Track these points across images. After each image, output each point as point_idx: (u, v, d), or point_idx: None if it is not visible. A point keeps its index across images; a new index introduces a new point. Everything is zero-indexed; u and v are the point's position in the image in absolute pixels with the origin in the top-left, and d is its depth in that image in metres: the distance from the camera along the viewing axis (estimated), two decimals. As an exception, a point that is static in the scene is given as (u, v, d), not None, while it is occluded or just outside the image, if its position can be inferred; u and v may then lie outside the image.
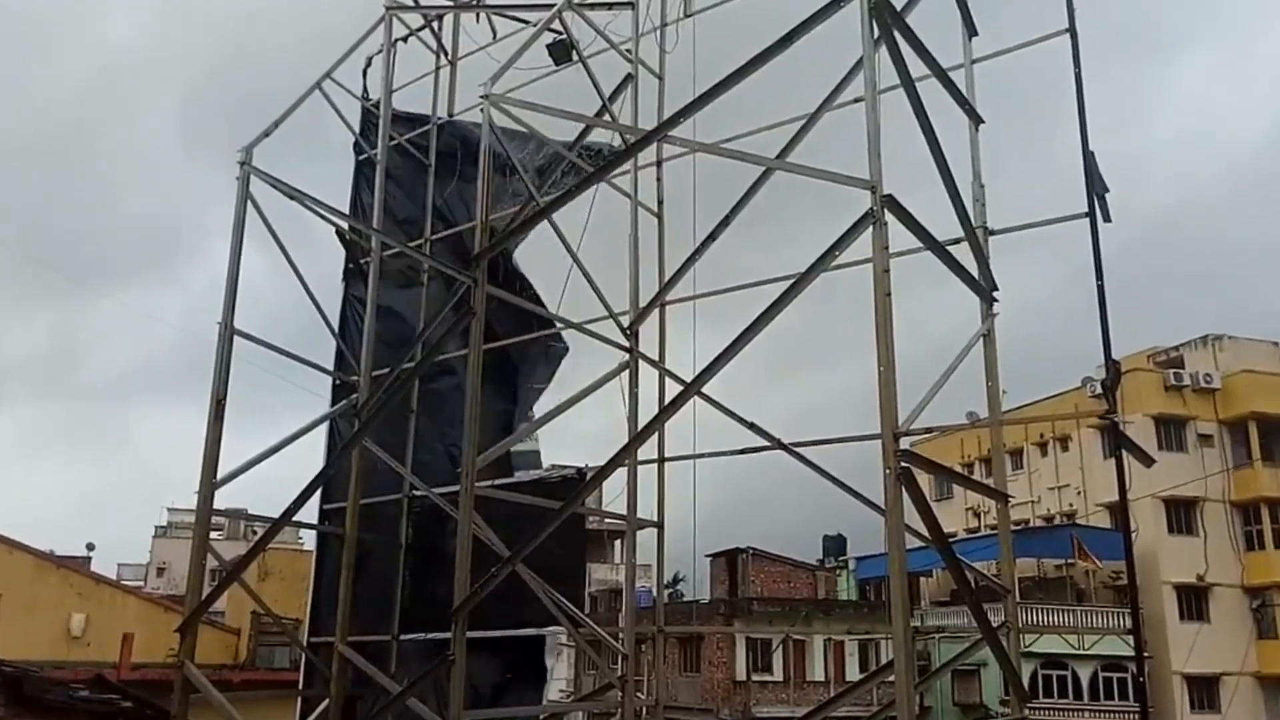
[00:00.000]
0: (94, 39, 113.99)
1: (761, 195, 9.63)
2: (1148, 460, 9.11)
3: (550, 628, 9.53)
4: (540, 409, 11.14)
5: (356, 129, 12.38)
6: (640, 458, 9.98)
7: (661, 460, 10.18)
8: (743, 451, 9.37)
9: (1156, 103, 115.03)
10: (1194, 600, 37.39)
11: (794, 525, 73.65)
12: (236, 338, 9.89)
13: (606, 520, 14.02)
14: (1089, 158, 8.57)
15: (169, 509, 56.65)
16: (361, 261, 11.56)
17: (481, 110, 8.78)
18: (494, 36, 11.30)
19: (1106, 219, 8.54)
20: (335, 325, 11.83)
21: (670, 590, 39.68)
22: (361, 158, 12.37)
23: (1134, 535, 28.19)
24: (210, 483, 9.52)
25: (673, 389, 9.53)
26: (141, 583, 45.60)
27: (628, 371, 9.86)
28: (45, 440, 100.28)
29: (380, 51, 11.88)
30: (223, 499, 9.87)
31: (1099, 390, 31.68)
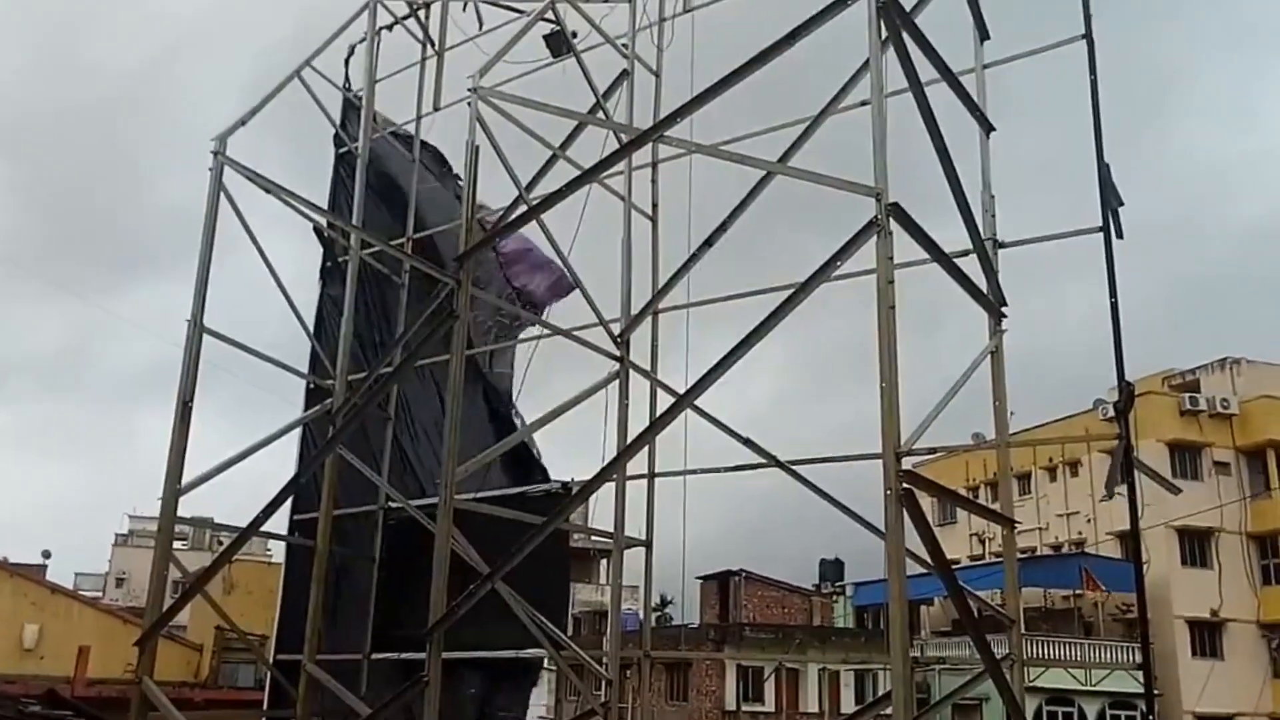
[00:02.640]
0: (156, 8, 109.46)
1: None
2: (1174, 488, 8.79)
3: (531, 650, 9.11)
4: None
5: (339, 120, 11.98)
6: (631, 473, 9.59)
7: (652, 476, 9.85)
8: (737, 469, 9.14)
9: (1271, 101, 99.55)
10: (1207, 636, 36.31)
11: (792, 549, 71.74)
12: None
13: (593, 538, 13.58)
14: (1104, 169, 8.31)
15: (130, 516, 54.15)
16: (340, 260, 11.16)
17: (469, 104, 8.45)
18: (480, 25, 10.95)
19: (1119, 234, 8.34)
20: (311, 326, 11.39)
21: (658, 613, 38.89)
22: (342, 150, 12.01)
23: (1145, 566, 27.62)
24: (174, 489, 9.13)
25: (665, 401, 9.11)
26: (100, 593, 44.33)
27: (618, 381, 9.48)
28: (33, 441, 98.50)
29: (364, 40, 11.51)
30: (191, 507, 9.46)
31: (1111, 413, 31.01)
